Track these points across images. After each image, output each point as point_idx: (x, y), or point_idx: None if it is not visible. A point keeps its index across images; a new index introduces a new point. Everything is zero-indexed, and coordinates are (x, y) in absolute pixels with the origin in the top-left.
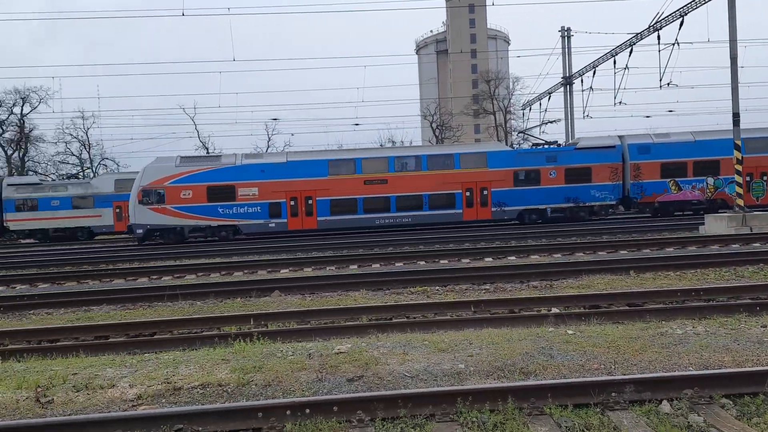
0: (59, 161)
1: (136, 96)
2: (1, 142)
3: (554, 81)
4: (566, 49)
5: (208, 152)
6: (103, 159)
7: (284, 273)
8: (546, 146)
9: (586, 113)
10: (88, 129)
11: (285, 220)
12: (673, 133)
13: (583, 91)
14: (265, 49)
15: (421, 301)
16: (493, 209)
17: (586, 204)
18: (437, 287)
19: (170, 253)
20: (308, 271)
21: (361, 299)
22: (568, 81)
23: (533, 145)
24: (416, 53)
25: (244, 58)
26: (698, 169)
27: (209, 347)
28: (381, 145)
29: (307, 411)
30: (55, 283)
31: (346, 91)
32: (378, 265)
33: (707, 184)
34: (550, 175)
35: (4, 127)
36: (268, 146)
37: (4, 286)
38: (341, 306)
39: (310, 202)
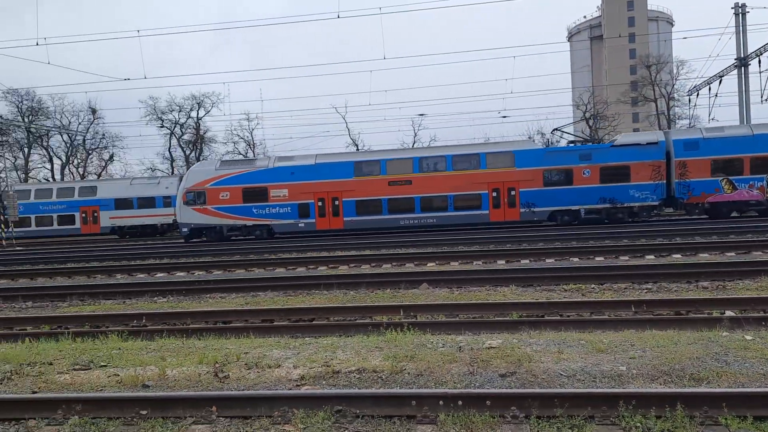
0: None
1: (294, 97)
2: (181, 143)
3: (726, 63)
4: (740, 27)
5: (357, 149)
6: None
7: (431, 266)
8: (582, 144)
9: (764, 97)
10: (253, 130)
11: (313, 220)
12: (728, 126)
13: (761, 73)
14: (414, 45)
15: (576, 299)
16: (522, 210)
17: (624, 205)
18: (593, 285)
19: (325, 245)
20: (455, 265)
21: (510, 295)
22: (742, 62)
23: (569, 143)
24: (568, 40)
25: (394, 55)
26: (757, 166)
27: (363, 335)
28: (531, 137)
29: (460, 403)
30: (226, 270)
31: (493, 83)
32: (527, 261)
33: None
34: (584, 174)
35: (183, 130)
36: (414, 141)
37: (185, 272)
38: (490, 301)
39: (336, 202)
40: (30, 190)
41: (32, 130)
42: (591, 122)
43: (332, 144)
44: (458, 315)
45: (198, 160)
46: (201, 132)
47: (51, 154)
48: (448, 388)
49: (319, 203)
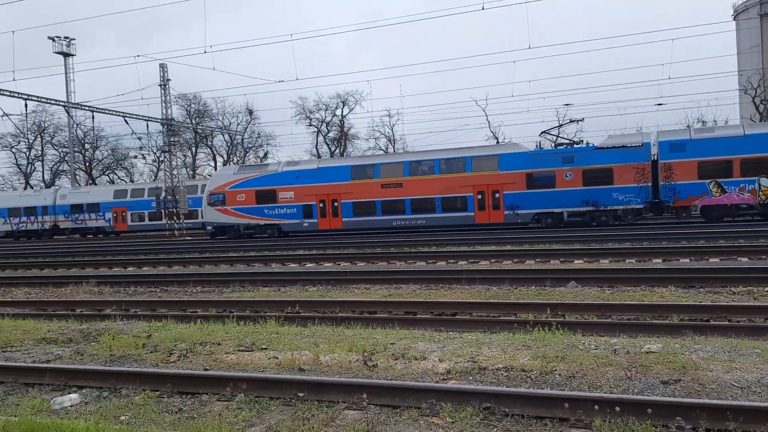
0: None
1: (434, 92)
2: (327, 140)
3: None
4: None
5: (498, 142)
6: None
7: (578, 264)
8: (566, 147)
9: None
10: (393, 125)
11: (316, 221)
12: (720, 126)
13: None
14: (561, 32)
15: (747, 303)
16: (506, 212)
17: (608, 208)
18: (767, 288)
19: (463, 240)
20: (605, 263)
21: (669, 296)
22: None
23: (556, 145)
24: (734, 19)
25: (539, 44)
26: (747, 168)
27: (508, 332)
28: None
29: (617, 409)
30: (370, 262)
31: (648, 68)
32: (687, 260)
33: (760, 185)
34: (566, 176)
35: (329, 128)
36: (558, 133)
37: (332, 263)
38: (647, 302)
39: (335, 204)
40: (197, 185)
41: (198, 130)
42: (761, 108)
43: (472, 137)
44: (611, 316)
45: (342, 155)
46: (345, 129)
47: (214, 152)
48: (604, 393)
49: (321, 204)
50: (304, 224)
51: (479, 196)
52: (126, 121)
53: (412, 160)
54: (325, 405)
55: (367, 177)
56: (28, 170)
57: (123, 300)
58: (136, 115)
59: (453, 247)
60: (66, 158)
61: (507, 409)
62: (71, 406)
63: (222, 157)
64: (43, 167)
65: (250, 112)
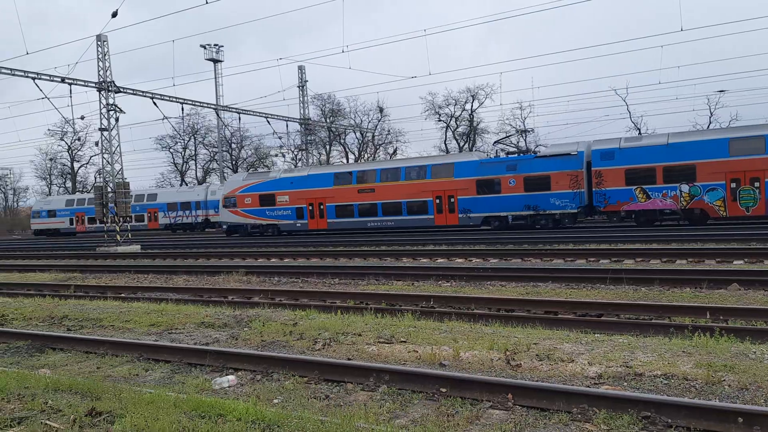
0: (499, 150)
1: (569, 82)
2: (456, 135)
3: None
4: None
5: (640, 133)
6: (537, 146)
7: (739, 264)
8: (511, 155)
9: None
10: (525, 118)
11: (307, 221)
12: (647, 135)
13: None
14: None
15: None
16: (460, 215)
17: (546, 212)
18: None
19: (605, 237)
20: None
21: None
22: None
23: (507, 153)
24: None
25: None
26: (670, 176)
27: (663, 336)
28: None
29: None
30: (503, 259)
31: None
32: None
33: (681, 191)
34: (510, 183)
35: (458, 122)
36: (710, 122)
37: (463, 259)
38: None
39: (321, 207)
40: None
41: (332, 129)
42: None
43: (611, 129)
44: None
45: (471, 150)
46: (474, 124)
47: (347, 149)
48: None
49: (310, 207)
50: (297, 224)
51: (437, 201)
52: (268, 122)
53: (383, 168)
54: (468, 402)
55: (346, 183)
56: (183, 168)
57: (269, 289)
58: (277, 115)
59: (593, 244)
60: (215, 157)
61: (669, 420)
62: (229, 386)
63: (353, 154)
64: (196, 165)
65: (381, 110)
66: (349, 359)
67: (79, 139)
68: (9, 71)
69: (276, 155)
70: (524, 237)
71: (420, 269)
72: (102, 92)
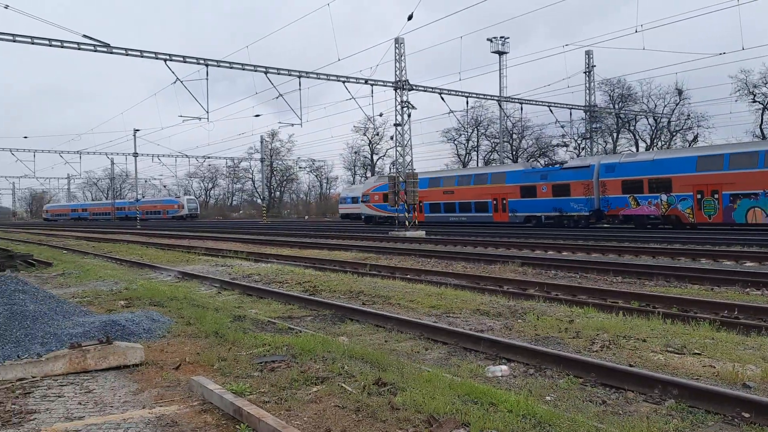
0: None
1: None
2: None
3: None
4: None
5: None
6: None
7: None
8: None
9: None
10: None
11: (411, 215)
12: (642, 152)
13: None
14: None
15: None
16: (510, 214)
17: (568, 214)
18: None
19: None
20: None
21: None
22: None
23: (545, 164)
24: None
25: None
26: (653, 186)
27: None
28: None
29: None
30: None
31: None
32: None
33: (661, 200)
34: (542, 189)
35: None
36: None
37: (733, 261)
38: None
39: (421, 204)
40: None
41: (621, 115)
42: None
43: None
44: None
45: None
46: None
47: (636, 137)
48: None
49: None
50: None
51: (494, 202)
52: (551, 110)
53: (460, 175)
54: None
55: (436, 186)
56: (466, 159)
57: (545, 282)
58: (560, 104)
59: None
60: (496, 148)
61: None
62: (501, 376)
63: (644, 141)
64: (477, 156)
65: (680, 92)
66: (630, 365)
67: (377, 134)
68: (325, 77)
69: (558, 145)
70: None
71: (721, 272)
72: (397, 90)
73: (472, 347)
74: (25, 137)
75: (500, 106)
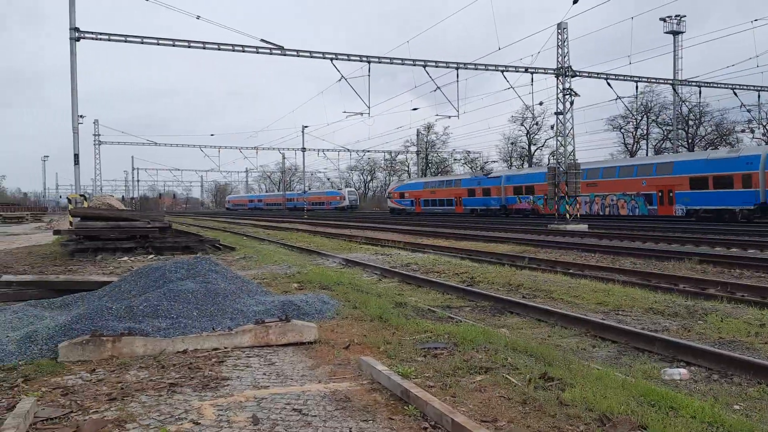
0: None
1: None
2: None
3: None
4: None
5: None
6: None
7: None
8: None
9: None
10: None
11: (414, 208)
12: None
13: None
14: None
15: None
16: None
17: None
18: None
19: None
20: None
21: None
22: None
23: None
24: None
25: None
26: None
27: None
28: None
29: None
30: None
31: None
32: None
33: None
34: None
35: None
36: None
37: None
38: None
39: (419, 199)
40: None
41: None
42: None
43: None
44: None
45: None
46: None
47: None
48: None
49: (413, 200)
50: (409, 209)
51: (660, 194)
52: (735, 93)
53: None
54: None
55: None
56: (634, 149)
57: (728, 282)
58: (747, 86)
59: None
60: (669, 135)
61: None
62: (680, 380)
63: None
64: (647, 145)
65: None
66: None
67: (536, 124)
68: (483, 67)
69: (743, 131)
70: None
71: None
72: (559, 78)
73: (644, 347)
74: (212, 135)
75: (674, 90)
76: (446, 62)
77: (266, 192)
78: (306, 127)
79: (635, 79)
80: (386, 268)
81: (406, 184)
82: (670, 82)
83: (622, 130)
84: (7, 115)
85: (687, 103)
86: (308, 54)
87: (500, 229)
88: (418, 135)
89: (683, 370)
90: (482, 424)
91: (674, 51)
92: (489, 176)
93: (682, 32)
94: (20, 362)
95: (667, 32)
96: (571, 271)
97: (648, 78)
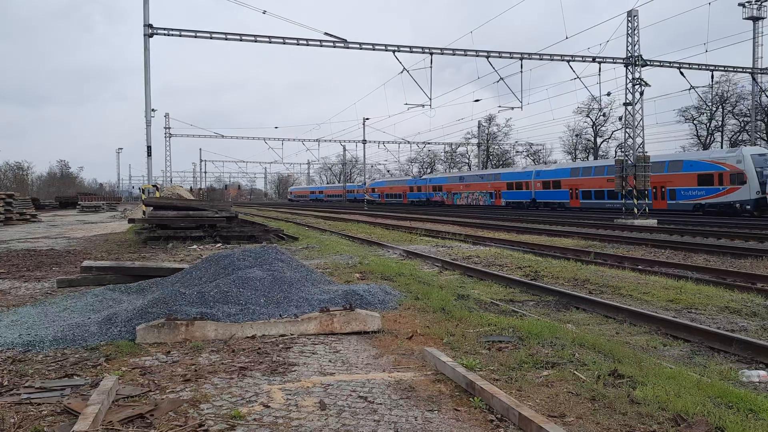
0: None
1: None
2: None
3: None
4: None
5: None
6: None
7: None
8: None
9: None
10: None
11: (382, 201)
12: None
13: None
14: None
15: None
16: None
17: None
18: None
19: None
20: None
21: None
22: None
23: None
24: None
25: None
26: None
27: None
28: None
29: None
30: None
31: None
32: None
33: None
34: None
35: None
36: None
37: None
38: None
39: (387, 195)
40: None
41: None
42: None
43: None
44: None
45: None
46: None
47: None
48: None
49: (384, 195)
50: (378, 201)
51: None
52: None
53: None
54: None
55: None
56: (708, 141)
57: None
58: None
59: None
60: (746, 127)
61: None
62: (759, 382)
63: None
64: (722, 137)
65: None
66: None
67: (603, 115)
68: (549, 57)
69: None
70: None
71: None
72: (628, 67)
73: (720, 347)
74: (276, 127)
75: (753, 78)
76: (510, 52)
77: (327, 184)
78: (367, 119)
79: (711, 67)
80: (447, 260)
81: (376, 181)
82: (749, 70)
83: (695, 122)
84: (89, 110)
85: (767, 93)
86: (371, 47)
87: (564, 223)
88: (479, 126)
89: (763, 372)
90: (550, 418)
91: (753, 38)
92: (422, 177)
93: (762, 18)
94: (102, 343)
95: (746, 18)
96: (639, 267)
97: (725, 66)
